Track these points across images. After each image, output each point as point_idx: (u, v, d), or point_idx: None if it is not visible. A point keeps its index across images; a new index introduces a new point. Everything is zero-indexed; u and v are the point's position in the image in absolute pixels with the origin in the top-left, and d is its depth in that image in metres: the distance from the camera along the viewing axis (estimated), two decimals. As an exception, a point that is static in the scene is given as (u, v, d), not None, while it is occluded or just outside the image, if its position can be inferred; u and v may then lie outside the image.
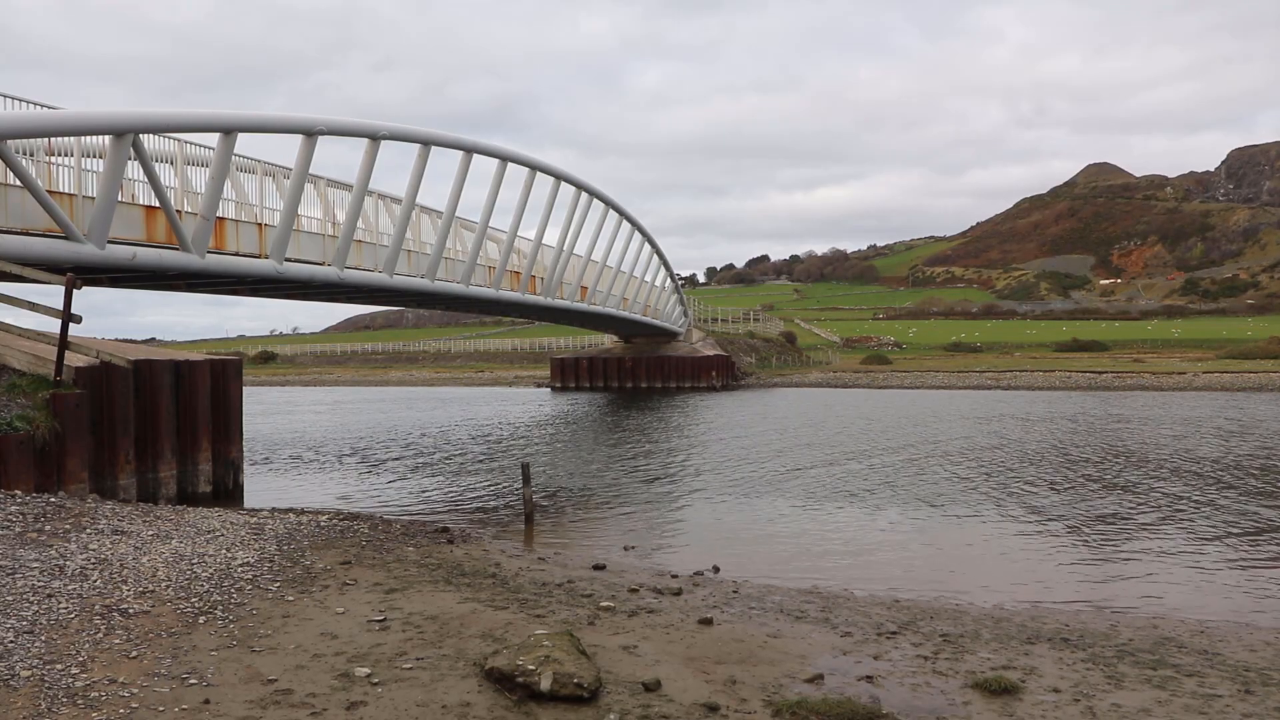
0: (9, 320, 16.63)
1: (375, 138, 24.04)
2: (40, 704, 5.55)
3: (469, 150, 28.20)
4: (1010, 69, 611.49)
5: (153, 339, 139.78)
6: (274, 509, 14.23)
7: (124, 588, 8.01)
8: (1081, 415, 37.73)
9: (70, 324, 14.18)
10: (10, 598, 7.37)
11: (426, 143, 26.32)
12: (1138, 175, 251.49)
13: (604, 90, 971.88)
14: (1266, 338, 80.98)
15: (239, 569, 9.12)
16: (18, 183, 16.61)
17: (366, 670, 6.44)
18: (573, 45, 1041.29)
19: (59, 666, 6.13)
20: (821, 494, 18.47)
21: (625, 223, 45.27)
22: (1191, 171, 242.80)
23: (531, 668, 6.12)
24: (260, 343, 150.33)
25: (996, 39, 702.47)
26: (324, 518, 13.10)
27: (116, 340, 26.14)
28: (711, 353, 66.38)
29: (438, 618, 7.89)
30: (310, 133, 21.76)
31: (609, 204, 41.67)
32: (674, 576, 11.01)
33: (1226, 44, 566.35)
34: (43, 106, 17.14)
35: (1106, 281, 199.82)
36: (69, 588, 7.80)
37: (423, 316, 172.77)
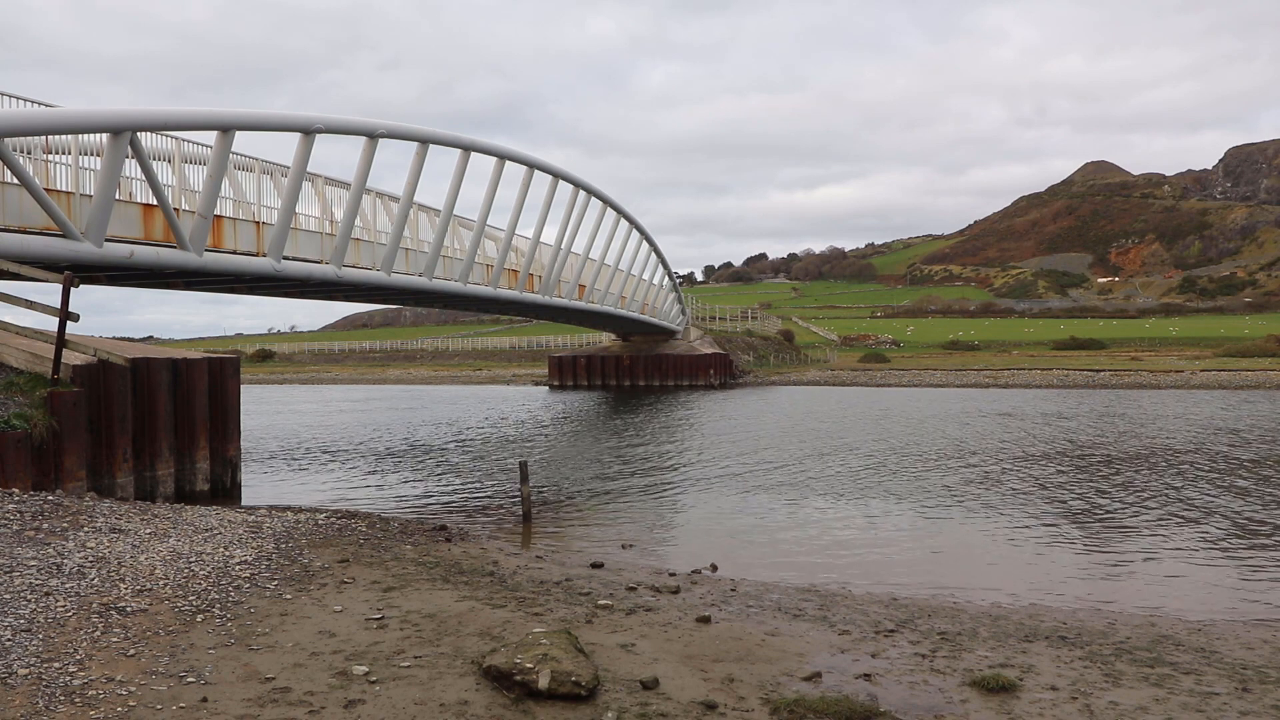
0: (7, 318, 16.62)
1: (373, 136, 24.00)
2: (38, 702, 5.54)
3: (467, 149, 28.16)
4: (1012, 69, 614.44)
5: (150, 337, 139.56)
6: (271, 507, 14.23)
7: (122, 586, 8.00)
8: (1079, 413, 37.76)
9: (68, 322, 14.16)
10: (8, 596, 7.37)
11: (425, 141, 26.29)
12: (1135, 173, 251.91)
13: (609, 90, 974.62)
14: (1263, 336, 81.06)
15: (237, 567, 9.12)
16: (15, 181, 16.58)
17: (364, 668, 6.44)
18: (579, 45, 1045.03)
19: (56, 665, 6.13)
20: (819, 492, 18.48)
21: (623, 221, 45.26)
22: (1189, 170, 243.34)
23: (529, 666, 6.12)
24: (258, 341, 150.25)
25: (999, 39, 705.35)
26: (322, 516, 13.11)
27: (114, 338, 26.10)
28: (709, 351, 66.36)
29: (435, 616, 7.90)
30: (308, 131, 21.72)
31: (607, 202, 41.65)
32: (672, 575, 11.02)
33: (1228, 43, 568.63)
34: (40, 104, 17.11)
35: (1104, 280, 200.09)
36: (66, 586, 7.80)
37: (421, 315, 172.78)
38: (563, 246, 38.56)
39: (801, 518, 15.82)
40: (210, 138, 20.07)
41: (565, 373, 67.35)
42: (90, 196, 18.12)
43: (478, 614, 8.02)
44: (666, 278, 61.74)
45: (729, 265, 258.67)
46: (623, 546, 13.32)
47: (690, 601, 9.33)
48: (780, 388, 61.76)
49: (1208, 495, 17.61)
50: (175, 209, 19.78)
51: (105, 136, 17.44)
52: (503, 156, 30.37)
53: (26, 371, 14.46)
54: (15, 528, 9.49)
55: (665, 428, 33.67)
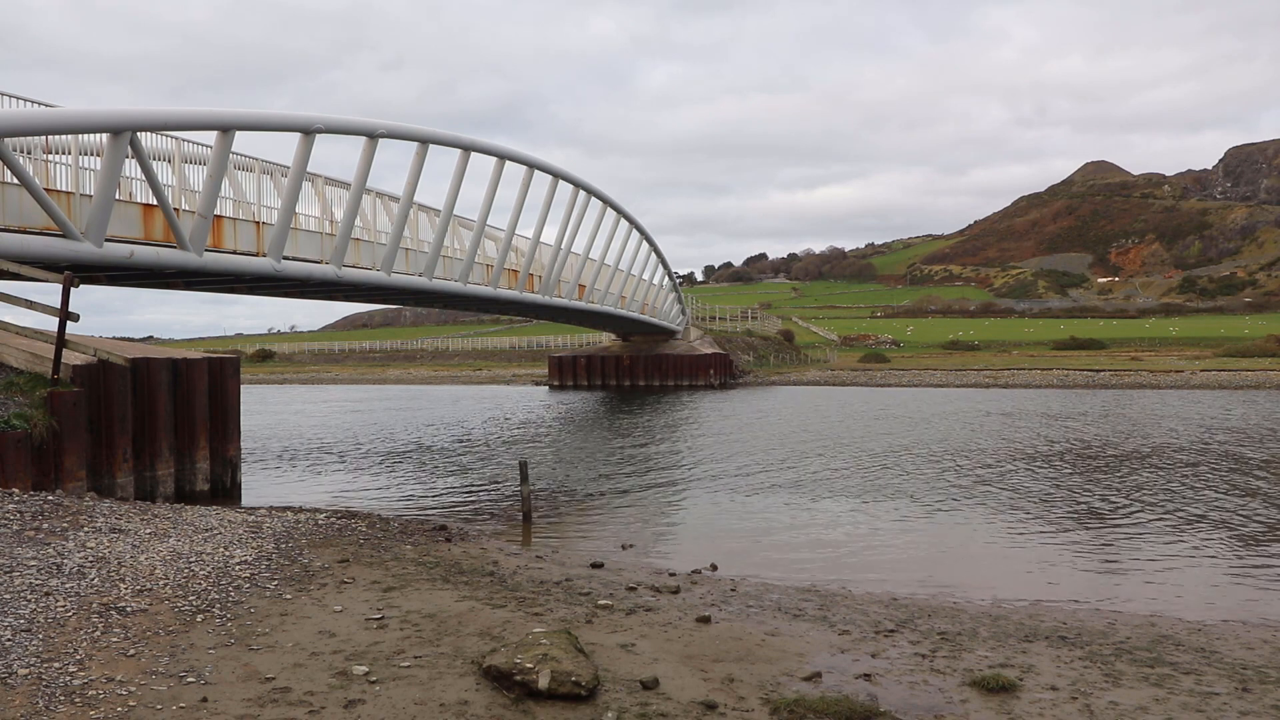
0: (7, 318, 16.62)
1: (373, 136, 24.00)
2: (38, 702, 5.54)
3: (467, 149, 28.16)
4: (1013, 69, 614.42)
5: (150, 337, 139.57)
6: (271, 507, 14.22)
7: (122, 586, 8.00)
8: (1079, 413, 37.76)
9: (68, 322, 14.16)
10: (8, 596, 7.37)
11: (425, 141, 26.29)
12: (1135, 173, 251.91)
13: (611, 90, 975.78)
14: (1263, 336, 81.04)
15: (237, 567, 9.12)
16: (15, 181, 16.58)
17: (364, 668, 6.44)
18: (580, 46, 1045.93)
19: (56, 665, 6.13)
20: (819, 492, 18.48)
21: (623, 221, 45.26)
22: (1189, 170, 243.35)
23: (529, 666, 6.12)
24: (258, 341, 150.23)
25: (1000, 39, 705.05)
26: (322, 516, 13.10)
27: (114, 338, 26.10)
28: (709, 351, 66.36)
29: (435, 616, 7.89)
30: (308, 131, 21.72)
31: (607, 202, 41.65)
32: (672, 575, 11.01)
33: (1229, 43, 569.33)
34: (40, 104, 17.11)
35: (1104, 280, 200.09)
36: (66, 586, 7.80)
37: (421, 315, 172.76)
38: (563, 246, 38.56)
39: (802, 518, 15.82)
40: (210, 138, 20.07)
41: (565, 373, 67.34)
42: (90, 196, 18.12)
43: (478, 614, 8.02)
44: (666, 278, 61.74)
45: (729, 265, 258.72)
46: (623, 546, 13.32)
47: (690, 601, 9.32)
48: (780, 388, 61.76)
49: (1208, 495, 17.60)
50: (175, 209, 19.78)
51: (105, 136, 17.44)
52: (503, 156, 30.37)
53: (26, 371, 14.46)
54: (15, 528, 9.49)
55: (665, 428, 33.67)
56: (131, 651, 6.52)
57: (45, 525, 9.79)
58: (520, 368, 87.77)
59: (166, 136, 20.38)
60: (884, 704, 6.33)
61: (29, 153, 17.60)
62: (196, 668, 6.31)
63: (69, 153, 18.79)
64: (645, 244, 51.48)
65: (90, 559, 8.71)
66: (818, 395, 53.47)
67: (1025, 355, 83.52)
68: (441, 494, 18.71)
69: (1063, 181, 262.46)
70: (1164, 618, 9.54)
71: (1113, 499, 17.39)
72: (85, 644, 6.55)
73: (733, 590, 10.14)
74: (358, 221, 26.11)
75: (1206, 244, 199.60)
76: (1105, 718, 6.22)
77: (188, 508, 12.64)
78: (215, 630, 7.15)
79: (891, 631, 8.39)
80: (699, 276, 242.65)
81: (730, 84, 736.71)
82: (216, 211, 21.10)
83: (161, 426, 16.31)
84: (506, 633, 7.39)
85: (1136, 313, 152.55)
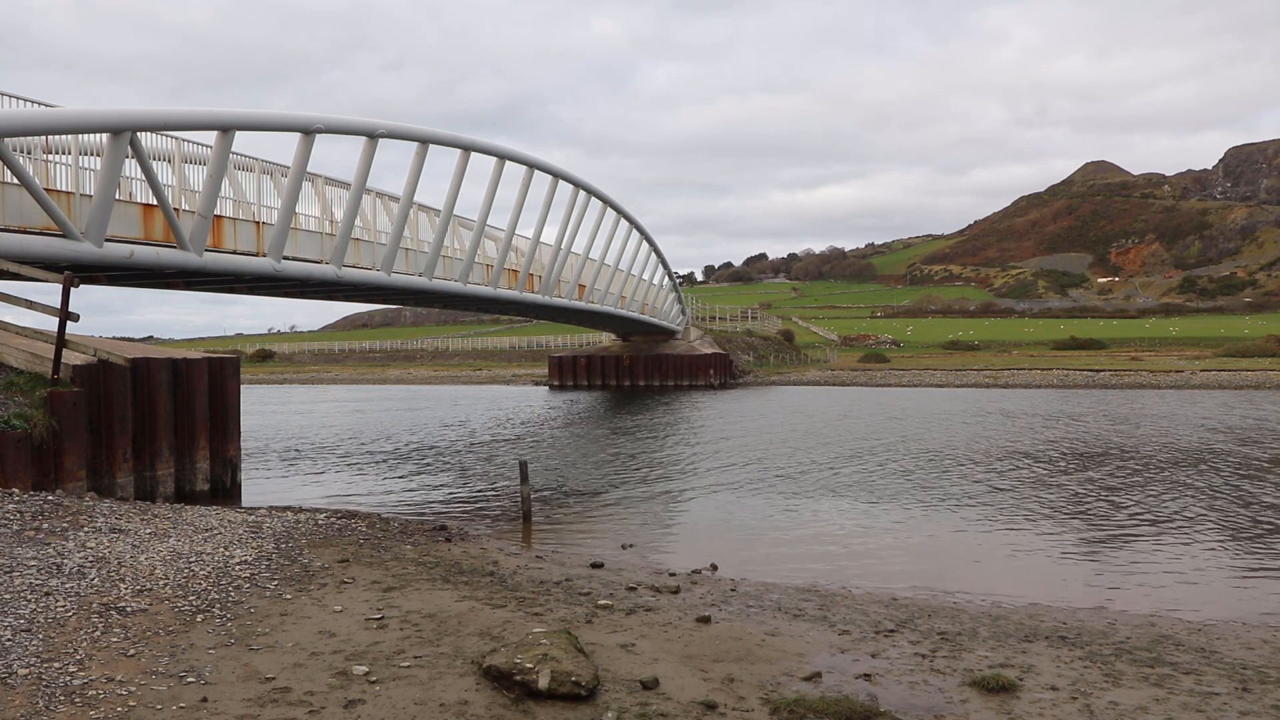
0: (7, 318, 16.62)
1: (373, 136, 23.99)
2: (38, 702, 5.54)
3: (467, 149, 28.16)
4: (1013, 69, 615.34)
5: (150, 337, 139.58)
6: (271, 507, 14.22)
7: (122, 586, 8.00)
8: (1078, 413, 37.76)
9: (68, 322, 14.16)
10: (8, 596, 7.37)
11: (425, 141, 26.29)
12: (1135, 173, 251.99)
13: (612, 90, 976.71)
14: (1263, 336, 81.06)
15: (237, 567, 9.12)
16: (15, 181, 16.58)
17: (364, 668, 6.44)
18: (581, 46, 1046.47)
19: (56, 665, 6.13)
20: (819, 492, 18.48)
21: (623, 221, 45.26)
22: (1189, 170, 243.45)
23: (529, 666, 6.12)
24: (258, 341, 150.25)
25: (1000, 39, 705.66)
26: (322, 516, 13.10)
27: (114, 338, 26.09)
28: (709, 351, 66.36)
29: (435, 616, 7.90)
30: (308, 131, 21.72)
31: (607, 202, 41.65)
32: (672, 575, 11.02)
33: (1229, 43, 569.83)
34: (40, 104, 17.11)
35: (1104, 280, 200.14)
36: (66, 586, 7.80)
37: (421, 315, 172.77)
38: (563, 246, 38.56)
39: (802, 518, 15.82)
40: (210, 138, 20.07)
41: (565, 373, 67.33)
42: (90, 196, 18.11)
43: (478, 614, 8.02)
44: (666, 278, 61.73)
45: (729, 265, 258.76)
46: (623, 546, 13.32)
47: (690, 601, 9.32)
48: (780, 388, 61.75)
49: (1208, 495, 17.60)
50: (175, 209, 19.77)
51: (105, 136, 17.43)
52: (503, 156, 30.36)
53: (26, 371, 14.46)
54: (15, 528, 9.49)
55: (665, 428, 33.67)
56: (131, 651, 6.52)
57: (45, 525, 9.79)
58: (520, 368, 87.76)
59: (166, 136, 20.38)
60: (884, 704, 6.33)
61: (29, 153, 17.59)
62: (196, 668, 6.31)
63: (69, 153, 18.79)
64: (645, 244, 51.47)
65: (90, 559, 8.71)
66: (818, 395, 53.46)
67: (1025, 355, 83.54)
68: (441, 494, 18.71)
69: (1063, 181, 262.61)
70: (1164, 618, 9.55)
71: (1113, 499, 17.38)
72: (85, 644, 6.55)
73: (733, 590, 10.14)
74: (358, 221, 26.11)
75: (1206, 244, 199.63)
76: (1105, 718, 6.22)
77: (188, 508, 12.64)
78: (215, 630, 7.15)
79: (891, 631, 8.40)
80: (699, 276, 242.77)
81: (730, 84, 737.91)
82: (216, 211, 21.10)
83: (161, 426, 16.31)
84: (506, 633, 7.39)
85: (1136, 313, 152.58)
